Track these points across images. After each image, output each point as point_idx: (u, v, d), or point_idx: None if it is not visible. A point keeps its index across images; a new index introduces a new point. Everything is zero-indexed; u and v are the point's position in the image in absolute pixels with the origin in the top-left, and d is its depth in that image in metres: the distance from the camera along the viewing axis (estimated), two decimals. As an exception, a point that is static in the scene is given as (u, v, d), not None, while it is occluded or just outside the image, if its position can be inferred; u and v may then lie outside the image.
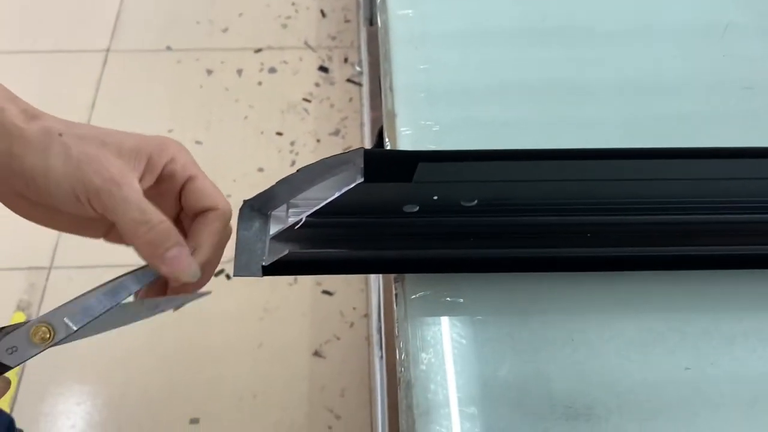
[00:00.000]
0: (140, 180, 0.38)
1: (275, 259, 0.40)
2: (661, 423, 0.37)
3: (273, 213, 0.43)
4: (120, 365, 1.29)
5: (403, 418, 0.37)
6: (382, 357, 1.07)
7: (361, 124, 1.64)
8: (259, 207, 0.42)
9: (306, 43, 1.82)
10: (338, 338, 1.35)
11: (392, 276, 0.42)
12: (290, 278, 1.53)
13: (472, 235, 0.40)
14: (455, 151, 0.35)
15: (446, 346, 0.39)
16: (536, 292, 0.41)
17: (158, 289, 0.41)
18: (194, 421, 1.24)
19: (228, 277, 1.42)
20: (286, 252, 0.40)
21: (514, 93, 0.51)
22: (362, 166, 0.37)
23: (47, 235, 1.45)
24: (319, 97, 1.70)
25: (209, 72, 1.74)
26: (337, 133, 1.63)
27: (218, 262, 0.41)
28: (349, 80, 1.74)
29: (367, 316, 1.38)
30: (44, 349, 0.35)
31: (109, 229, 0.41)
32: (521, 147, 0.47)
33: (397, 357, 0.39)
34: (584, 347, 0.39)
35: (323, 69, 1.76)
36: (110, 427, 1.21)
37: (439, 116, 0.49)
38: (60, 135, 0.37)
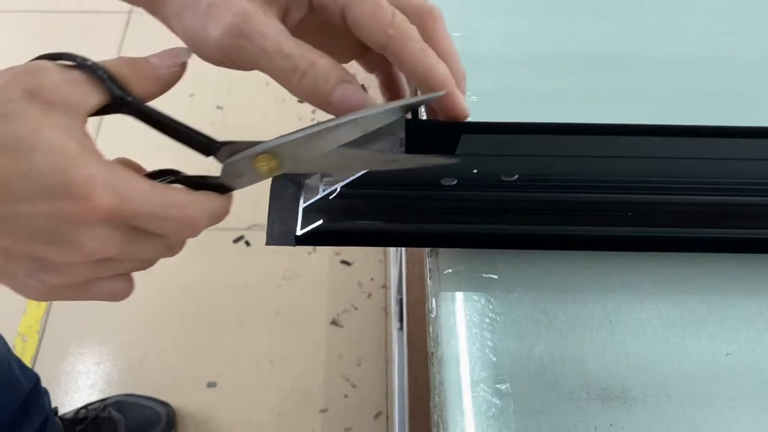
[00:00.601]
0: (285, 15, 0.33)
1: (309, 229, 0.40)
2: (699, 408, 0.36)
3: (306, 182, 0.42)
4: (140, 328, 1.30)
5: (435, 393, 0.37)
6: (401, 329, 1.06)
7: (384, 94, 1.62)
8: (292, 175, 0.42)
9: (330, 9, 1.79)
10: (356, 308, 1.35)
11: (425, 250, 0.41)
12: (309, 247, 1.53)
13: (510, 210, 0.39)
14: (500, 123, 0.34)
15: (480, 322, 0.38)
16: (574, 270, 0.40)
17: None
18: (211, 384, 1.26)
19: (247, 243, 1.43)
20: (319, 222, 0.39)
21: (554, 64, 0.50)
22: (402, 137, 0.36)
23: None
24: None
25: (232, 36, 1.72)
26: (359, 101, 1.62)
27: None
28: (372, 48, 1.72)
29: (385, 287, 1.37)
30: (268, 178, 0.33)
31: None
32: (559, 119, 0.46)
33: (430, 332, 0.39)
34: (622, 328, 0.38)
35: (347, 36, 1.74)
36: (129, 388, 1.23)
37: (477, 86, 0.48)
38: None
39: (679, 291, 0.40)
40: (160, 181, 0.32)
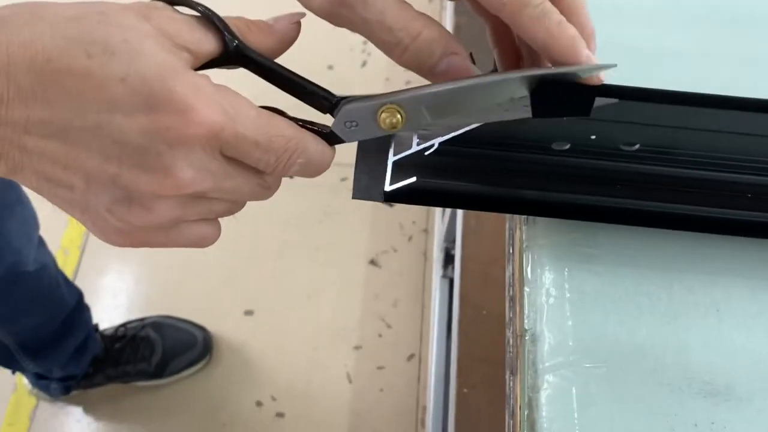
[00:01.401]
0: None
1: (400, 185, 0.37)
2: (811, 413, 0.33)
3: (396, 135, 0.39)
4: (180, 250, 1.31)
5: (528, 372, 0.35)
6: (444, 277, 1.05)
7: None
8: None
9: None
10: (395, 250, 1.34)
11: (521, 217, 0.38)
12: (350, 184, 1.51)
13: (620, 181, 0.36)
14: (637, 88, 0.31)
15: (578, 300, 0.36)
16: (682, 252, 0.37)
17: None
18: (248, 312, 1.27)
19: (290, 176, 1.41)
20: (413, 179, 0.37)
21: (671, 17, 0.45)
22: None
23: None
24: (398, -5, 1.61)
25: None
26: (413, 36, 1.56)
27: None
28: (430, -20, 1.64)
29: (426, 231, 1.36)
30: (386, 134, 0.30)
31: None
32: (678, 82, 0.42)
33: (524, 309, 0.36)
34: (730, 319, 0.36)
35: (404, -35, 1.66)
36: (167, 309, 1.24)
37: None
38: None
39: (797, 285, 0.37)
40: None
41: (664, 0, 0.46)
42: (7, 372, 1.06)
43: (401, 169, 0.38)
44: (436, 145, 0.36)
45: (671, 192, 0.36)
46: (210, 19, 0.27)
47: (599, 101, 0.29)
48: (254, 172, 0.29)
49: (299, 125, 0.29)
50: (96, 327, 1.13)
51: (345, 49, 1.52)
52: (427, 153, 0.37)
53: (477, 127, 0.35)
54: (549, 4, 0.29)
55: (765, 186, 0.36)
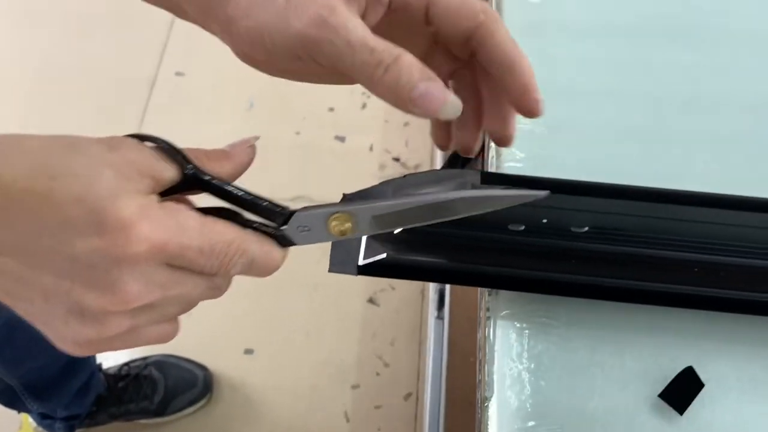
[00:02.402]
0: (363, 16, 0.33)
1: (372, 260, 0.40)
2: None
3: (372, 209, 0.42)
4: (182, 290, 1.34)
5: (487, 438, 0.37)
6: (439, 318, 1.08)
7: (437, 72, 1.60)
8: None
9: (388, -21, 1.76)
10: (393, 288, 1.36)
11: (485, 289, 0.41)
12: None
13: (575, 258, 0.39)
14: (574, 182, 0.34)
15: (536, 369, 0.39)
16: (634, 324, 0.40)
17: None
18: (248, 351, 1.29)
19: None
20: (384, 255, 0.40)
21: (631, 97, 0.48)
22: (477, 183, 0.36)
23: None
24: (397, 38, 1.66)
25: (288, 2, 1.71)
26: (411, 78, 1.60)
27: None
28: (428, 23, 1.69)
29: (424, 269, 1.38)
30: (336, 240, 0.33)
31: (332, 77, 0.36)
32: (633, 161, 0.45)
33: (485, 376, 0.39)
34: (678, 388, 0.38)
35: (403, 9, 1.71)
36: (169, 349, 1.27)
37: (548, 117, 0.46)
38: None
39: (740, 355, 0.39)
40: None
41: (627, 81, 0.50)
42: (13, 411, 1.09)
43: (373, 243, 0.41)
44: (404, 224, 0.40)
45: (621, 268, 0.39)
46: (171, 151, 0.30)
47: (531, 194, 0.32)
48: (202, 276, 0.30)
49: (249, 227, 0.31)
50: (99, 366, 1.16)
51: (345, 92, 1.56)
52: (396, 232, 0.40)
53: (441, 209, 0.38)
54: None
55: (711, 263, 0.39)
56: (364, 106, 1.55)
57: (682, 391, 0.37)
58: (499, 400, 0.38)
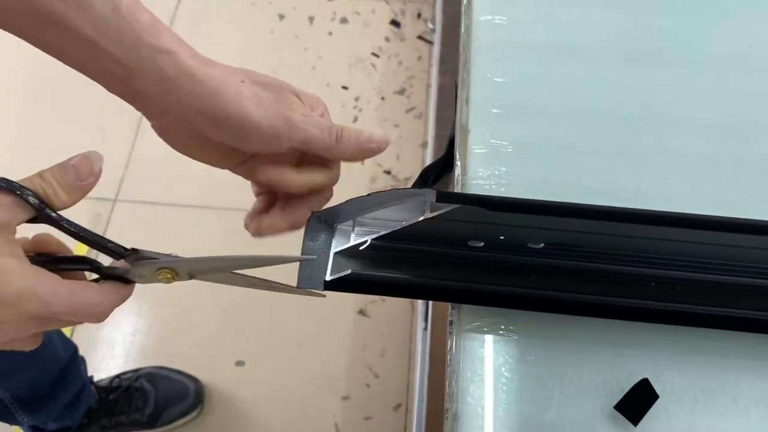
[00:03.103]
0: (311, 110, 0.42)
1: (338, 276, 0.41)
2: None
3: (339, 226, 0.43)
4: (175, 303, 1.35)
5: (447, 449, 0.38)
6: (425, 329, 1.09)
7: (428, 86, 1.62)
8: (326, 219, 0.43)
9: (381, -6, 1.78)
10: (383, 299, 1.37)
11: (449, 304, 0.43)
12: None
13: (534, 272, 0.40)
14: (526, 201, 0.35)
15: (497, 381, 0.40)
16: (592, 337, 0.41)
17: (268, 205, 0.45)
18: (240, 363, 1.30)
19: (282, 227, 1.46)
20: (348, 271, 0.41)
21: (595, 117, 0.50)
22: (433, 200, 0.37)
23: (114, 168, 1.51)
24: (388, 52, 1.68)
25: (281, 17, 1.73)
26: (402, 92, 1.62)
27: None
28: (420, 37, 1.71)
29: (414, 281, 1.39)
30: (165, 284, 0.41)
31: (244, 161, 0.44)
32: (596, 177, 0.47)
33: (447, 387, 0.40)
34: (633, 399, 0.39)
35: (395, 23, 1.73)
36: (161, 360, 1.28)
37: (514, 136, 0.48)
38: (242, 82, 0.40)
39: (693, 367, 0.40)
40: (77, 268, 0.39)
41: (589, 100, 0.51)
42: (4, 424, 1.10)
43: (340, 260, 0.42)
44: (369, 241, 0.41)
45: (578, 282, 0.40)
46: (21, 195, 0.35)
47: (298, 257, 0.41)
48: (67, 321, 0.37)
49: (105, 273, 0.39)
50: (91, 379, 1.17)
51: (337, 106, 1.58)
52: (361, 248, 0.41)
53: (403, 227, 0.40)
54: None
55: (667, 277, 0.41)
56: (355, 119, 1.57)
57: (637, 402, 0.39)
58: (460, 411, 0.39)
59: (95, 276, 0.39)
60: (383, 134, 0.42)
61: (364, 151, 0.42)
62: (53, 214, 0.36)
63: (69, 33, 0.37)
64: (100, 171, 0.38)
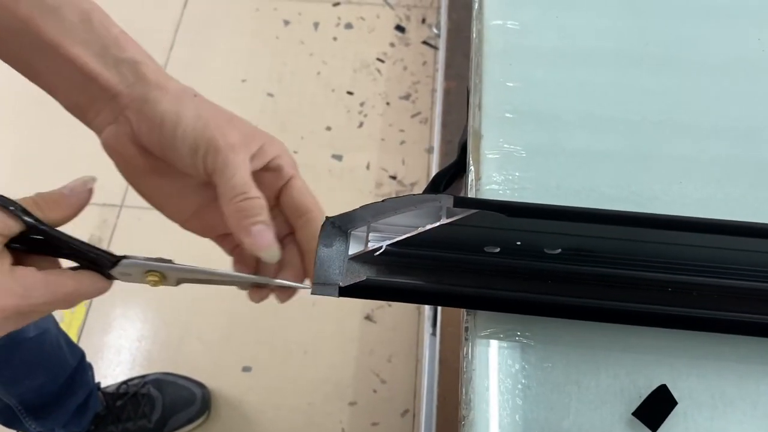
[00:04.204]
0: (250, 160, 0.40)
1: (352, 282, 0.41)
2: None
3: (353, 232, 0.43)
4: (181, 308, 1.35)
5: (463, 457, 0.38)
6: (433, 335, 1.08)
7: (433, 91, 1.62)
8: (340, 224, 0.43)
9: (385, -1, 1.79)
10: (390, 305, 1.37)
11: (464, 310, 0.42)
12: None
13: (550, 278, 0.40)
14: (545, 207, 0.35)
15: (513, 388, 0.39)
16: (609, 342, 0.41)
17: (246, 263, 0.45)
18: (246, 369, 1.30)
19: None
20: (364, 278, 0.41)
21: (608, 122, 0.49)
22: (450, 206, 0.37)
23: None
24: (393, 58, 1.68)
25: (286, 23, 1.73)
26: (407, 97, 1.62)
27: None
28: (425, 42, 1.71)
29: (420, 286, 1.39)
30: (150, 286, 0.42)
31: (193, 215, 0.44)
32: (609, 183, 0.46)
33: (463, 394, 0.40)
34: (652, 405, 0.39)
35: (400, 29, 1.73)
36: (167, 366, 1.28)
37: (527, 141, 0.48)
38: (195, 96, 0.40)
39: (712, 372, 0.40)
40: (57, 254, 0.39)
41: (602, 105, 0.51)
42: (11, 431, 1.10)
43: (355, 266, 0.42)
44: (384, 247, 0.41)
45: (595, 288, 0.40)
46: (10, 209, 0.36)
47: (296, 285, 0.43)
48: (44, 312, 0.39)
49: (87, 262, 0.39)
50: (98, 385, 1.16)
51: (342, 111, 1.58)
52: (376, 254, 0.41)
53: (419, 233, 0.39)
54: None
55: (684, 282, 0.40)
56: (360, 125, 1.57)
57: (655, 409, 0.38)
58: (477, 418, 0.39)
59: (73, 264, 0.40)
60: (270, 241, 0.40)
61: (242, 228, 0.39)
62: (45, 228, 0.38)
63: (33, 37, 0.38)
64: (92, 191, 0.40)
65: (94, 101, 0.40)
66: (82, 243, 0.39)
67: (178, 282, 0.42)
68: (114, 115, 0.40)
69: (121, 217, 1.47)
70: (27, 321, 0.38)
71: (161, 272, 0.40)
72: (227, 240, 0.45)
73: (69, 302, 0.39)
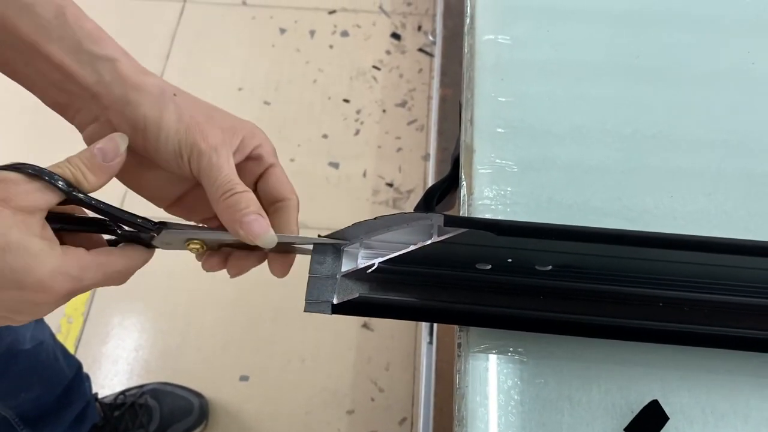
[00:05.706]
0: (233, 155, 0.41)
1: (345, 299, 0.41)
2: None
3: (346, 249, 0.43)
4: (179, 317, 1.35)
5: (457, 473, 0.38)
6: (430, 343, 1.08)
7: (429, 98, 1.63)
8: (332, 241, 0.43)
9: (381, 7, 1.79)
10: (388, 313, 1.37)
11: (456, 326, 0.42)
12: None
13: (542, 294, 0.40)
14: (533, 225, 0.35)
15: (506, 404, 0.40)
16: (601, 358, 0.41)
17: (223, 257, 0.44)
18: (244, 378, 1.30)
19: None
20: (356, 295, 0.41)
21: (599, 136, 0.50)
22: (441, 224, 0.37)
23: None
24: (389, 65, 1.69)
25: (282, 31, 1.74)
26: (403, 104, 1.62)
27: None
28: (420, 50, 1.71)
29: (417, 294, 1.39)
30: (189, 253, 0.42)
31: (176, 202, 0.45)
32: (601, 198, 0.47)
33: (456, 410, 0.40)
34: (643, 421, 0.39)
35: (395, 36, 1.74)
36: (164, 375, 1.28)
37: (519, 156, 0.49)
38: (174, 95, 0.40)
39: (703, 387, 0.40)
40: (95, 231, 0.40)
41: (595, 119, 0.51)
42: (9, 442, 1.09)
43: (347, 283, 0.42)
44: (376, 264, 0.41)
45: (587, 303, 0.40)
46: (50, 179, 0.36)
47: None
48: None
49: (130, 237, 0.40)
50: (95, 396, 1.16)
51: (339, 119, 1.58)
52: (369, 271, 0.41)
53: (411, 250, 0.40)
54: None
55: (674, 298, 0.41)
56: (357, 132, 1.57)
57: (647, 424, 0.39)
58: (469, 434, 0.39)
59: (111, 237, 0.41)
60: (264, 228, 0.39)
61: (235, 222, 0.39)
62: (82, 196, 0.37)
63: (8, 35, 0.38)
64: (126, 151, 0.39)
65: (73, 99, 0.40)
66: (123, 211, 0.39)
67: (220, 247, 0.42)
68: (94, 115, 0.41)
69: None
70: (72, 297, 0.38)
71: (202, 240, 0.41)
72: (211, 223, 0.46)
73: (120, 280, 0.39)
